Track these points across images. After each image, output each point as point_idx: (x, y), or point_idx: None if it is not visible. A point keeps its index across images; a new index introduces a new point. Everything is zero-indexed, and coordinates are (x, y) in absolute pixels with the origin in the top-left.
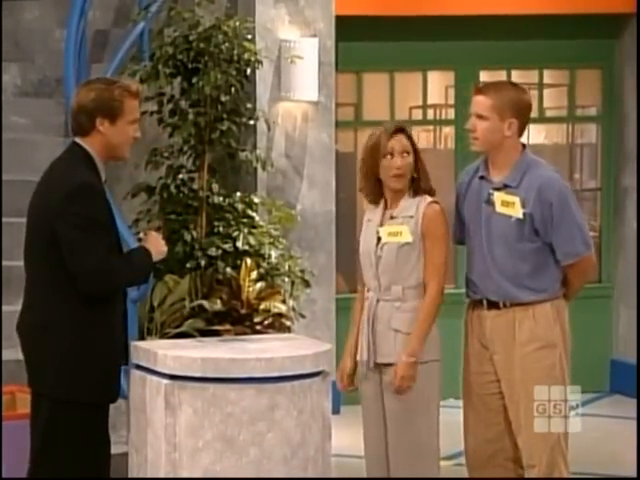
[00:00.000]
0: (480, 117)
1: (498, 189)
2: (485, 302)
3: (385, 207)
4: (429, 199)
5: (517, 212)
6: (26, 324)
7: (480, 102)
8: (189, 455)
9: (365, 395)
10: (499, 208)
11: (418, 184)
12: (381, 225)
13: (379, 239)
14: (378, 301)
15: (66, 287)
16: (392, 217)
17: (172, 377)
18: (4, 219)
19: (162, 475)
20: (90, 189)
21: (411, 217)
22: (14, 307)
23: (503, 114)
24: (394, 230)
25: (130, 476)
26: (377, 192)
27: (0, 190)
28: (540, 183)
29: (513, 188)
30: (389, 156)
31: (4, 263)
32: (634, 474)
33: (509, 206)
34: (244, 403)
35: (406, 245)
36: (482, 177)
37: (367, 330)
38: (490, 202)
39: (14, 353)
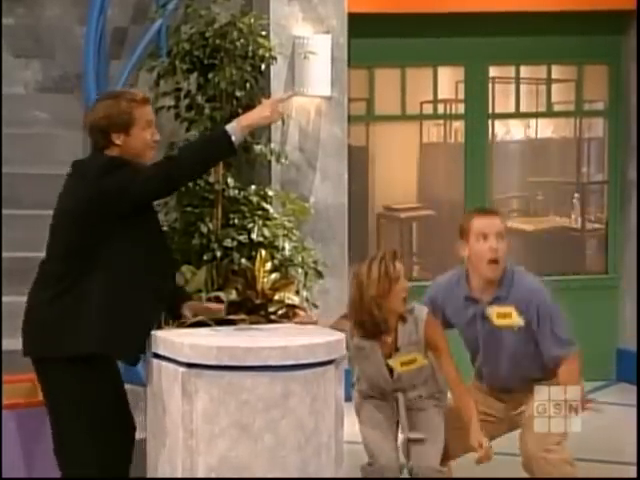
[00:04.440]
0: (502, 237)
1: (490, 303)
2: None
3: (380, 338)
4: (418, 311)
5: (517, 320)
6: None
7: (497, 224)
8: (205, 441)
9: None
10: (497, 321)
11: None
12: (387, 357)
13: (391, 369)
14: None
15: (86, 278)
16: (397, 349)
17: (189, 365)
18: (24, 211)
19: (179, 461)
20: (122, 160)
21: (417, 342)
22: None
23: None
24: (407, 359)
25: (148, 462)
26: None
27: (0, 183)
28: (527, 295)
29: (503, 300)
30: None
31: (25, 254)
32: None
33: (507, 317)
34: (259, 391)
35: (422, 367)
36: (467, 298)
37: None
38: (485, 318)
39: None
